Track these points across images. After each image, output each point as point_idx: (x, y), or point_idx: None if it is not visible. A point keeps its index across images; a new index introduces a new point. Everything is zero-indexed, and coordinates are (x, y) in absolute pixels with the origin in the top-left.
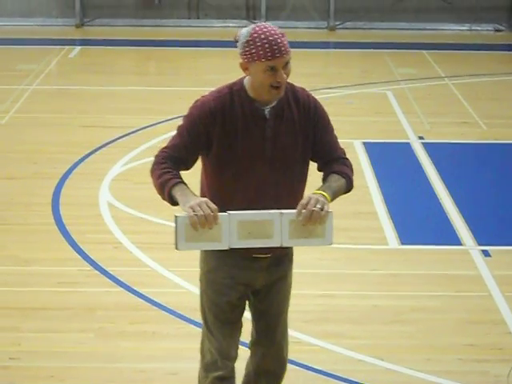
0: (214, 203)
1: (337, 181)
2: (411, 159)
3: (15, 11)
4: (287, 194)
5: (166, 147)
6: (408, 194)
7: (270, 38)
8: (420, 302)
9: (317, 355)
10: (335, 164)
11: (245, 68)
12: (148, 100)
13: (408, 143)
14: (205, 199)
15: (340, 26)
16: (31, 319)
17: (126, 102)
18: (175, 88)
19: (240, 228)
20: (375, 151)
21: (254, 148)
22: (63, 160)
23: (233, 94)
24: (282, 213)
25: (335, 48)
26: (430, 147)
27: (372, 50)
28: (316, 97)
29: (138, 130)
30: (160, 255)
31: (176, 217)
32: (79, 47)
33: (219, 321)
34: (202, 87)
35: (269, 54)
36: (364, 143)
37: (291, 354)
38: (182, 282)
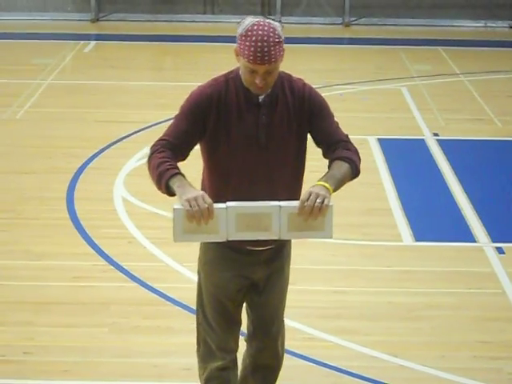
0: (212, 190)
1: (340, 167)
2: (426, 156)
3: (31, 5)
4: (281, 181)
5: (163, 135)
6: (422, 190)
7: (259, 44)
8: (434, 298)
9: (330, 351)
10: (338, 149)
11: (236, 55)
12: (163, 95)
13: (423, 140)
14: (201, 193)
15: (355, 22)
16: (45, 314)
17: (141, 97)
18: (190, 83)
19: (238, 220)
20: (390, 148)
21: (247, 135)
22: (78, 155)
23: (228, 82)
24: (280, 206)
25: (350, 44)
26: (444, 144)
27: (387, 46)
28: (329, 92)
29: (153, 125)
30: (174, 250)
31: (174, 209)
32: (94, 42)
33: (218, 314)
34: None
35: (251, 58)
36: (379, 139)
37: (304, 350)
38: (196, 277)
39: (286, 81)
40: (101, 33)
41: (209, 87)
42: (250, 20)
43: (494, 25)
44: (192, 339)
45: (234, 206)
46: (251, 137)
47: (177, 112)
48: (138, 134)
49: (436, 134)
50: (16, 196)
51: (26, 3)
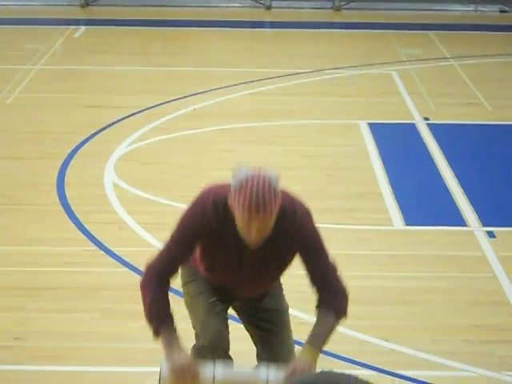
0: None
1: (326, 323)
2: (416, 140)
3: None
4: (263, 289)
5: (158, 261)
6: (413, 174)
7: (254, 203)
8: (425, 283)
9: None
10: (325, 292)
11: (230, 207)
12: (153, 80)
13: (413, 124)
14: (188, 363)
15: (345, 7)
16: (36, 299)
17: (132, 82)
18: (180, 68)
19: None
20: (380, 132)
21: (231, 265)
22: (68, 140)
23: (218, 211)
24: (268, 380)
25: (340, 28)
26: (435, 128)
27: (377, 30)
28: (319, 77)
29: (144, 110)
30: (165, 235)
31: (161, 365)
32: (84, 27)
33: (206, 311)
34: (207, 67)
35: (246, 215)
36: (369, 124)
37: (296, 335)
38: None
39: (279, 216)
40: (91, 18)
41: (199, 218)
42: (244, 173)
43: (484, 9)
44: (183, 325)
45: (221, 375)
46: (235, 267)
47: (172, 96)
48: (129, 119)
49: (426, 119)
50: (7, 182)
51: None
